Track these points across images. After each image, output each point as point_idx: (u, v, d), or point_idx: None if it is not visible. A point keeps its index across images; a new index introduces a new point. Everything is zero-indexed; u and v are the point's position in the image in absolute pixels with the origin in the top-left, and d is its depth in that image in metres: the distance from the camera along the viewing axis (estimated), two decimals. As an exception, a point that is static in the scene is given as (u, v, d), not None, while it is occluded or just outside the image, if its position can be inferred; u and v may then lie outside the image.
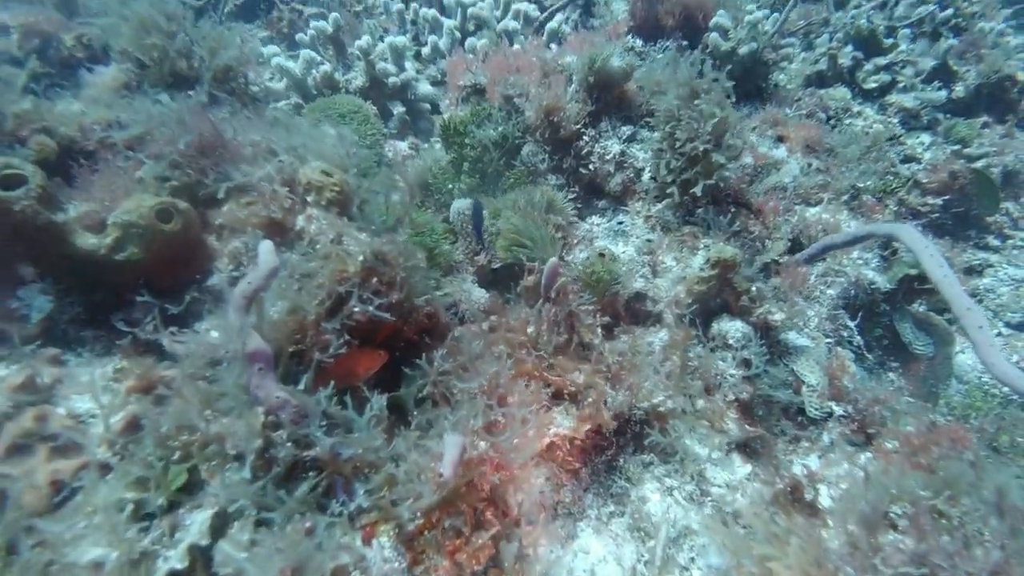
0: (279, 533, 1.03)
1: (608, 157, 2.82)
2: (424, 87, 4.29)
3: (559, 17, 5.01)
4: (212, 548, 1.14)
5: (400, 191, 1.97)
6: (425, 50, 4.68)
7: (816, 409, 2.64)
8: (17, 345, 1.31)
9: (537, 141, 2.89)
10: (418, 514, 1.17)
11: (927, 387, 4.01)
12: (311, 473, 1.14)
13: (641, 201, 2.80)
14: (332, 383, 1.31)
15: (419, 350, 1.67)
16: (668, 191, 2.48)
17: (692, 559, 1.80)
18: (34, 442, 1.21)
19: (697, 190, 2.41)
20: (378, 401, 1.34)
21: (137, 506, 1.13)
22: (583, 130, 2.89)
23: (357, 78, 4.22)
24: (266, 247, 1.24)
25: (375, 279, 1.47)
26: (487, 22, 4.72)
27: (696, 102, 2.42)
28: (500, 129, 2.92)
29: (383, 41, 4.32)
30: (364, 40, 4.01)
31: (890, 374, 3.82)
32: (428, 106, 4.40)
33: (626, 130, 2.88)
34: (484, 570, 1.23)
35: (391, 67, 4.11)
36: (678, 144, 2.44)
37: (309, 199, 1.57)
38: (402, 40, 4.15)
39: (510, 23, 4.62)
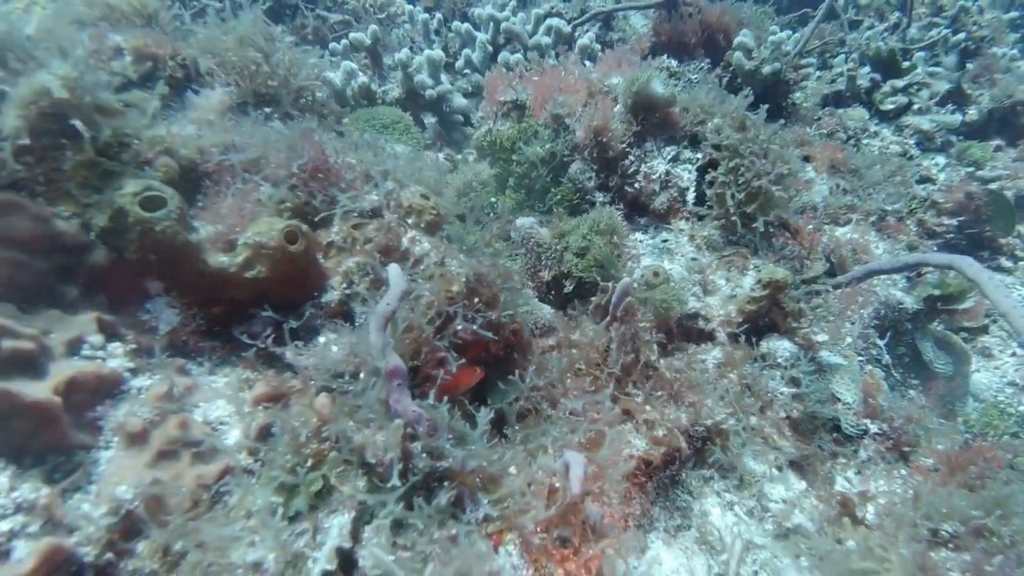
0: (425, 539, 1.13)
1: (654, 176, 2.94)
2: (458, 99, 4.40)
3: (589, 34, 5.14)
4: (353, 551, 1.23)
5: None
6: (459, 63, 4.80)
7: (852, 427, 2.76)
8: (158, 356, 1.40)
9: (585, 159, 3.00)
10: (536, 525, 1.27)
11: (945, 404, 4.14)
12: (444, 483, 1.24)
13: (685, 220, 2.93)
14: (444, 399, 1.41)
15: (506, 365, 1.77)
16: (730, 220, 2.60)
17: (756, 572, 1.90)
18: (178, 448, 1.30)
19: (759, 225, 2.54)
20: (485, 415, 1.44)
21: (284, 510, 1.23)
22: (628, 149, 3.01)
23: (394, 89, 4.32)
24: (395, 271, 1.34)
25: (476, 298, 1.57)
26: (519, 36, 4.84)
27: (753, 136, 2.55)
28: (548, 147, 3.04)
29: (417, 53, 4.44)
30: (404, 52, 4.12)
31: (911, 391, 3.96)
32: (461, 118, 4.51)
33: (670, 150, 3.00)
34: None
35: (428, 79, 4.22)
36: (741, 180, 2.56)
37: (410, 221, 1.67)
38: (439, 54, 4.26)
39: (542, 39, 4.75)
